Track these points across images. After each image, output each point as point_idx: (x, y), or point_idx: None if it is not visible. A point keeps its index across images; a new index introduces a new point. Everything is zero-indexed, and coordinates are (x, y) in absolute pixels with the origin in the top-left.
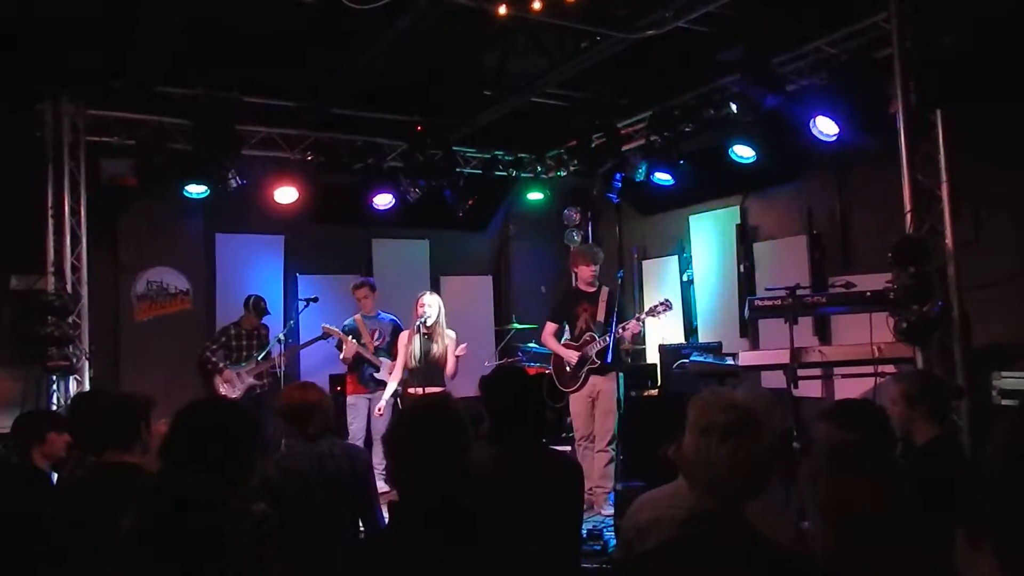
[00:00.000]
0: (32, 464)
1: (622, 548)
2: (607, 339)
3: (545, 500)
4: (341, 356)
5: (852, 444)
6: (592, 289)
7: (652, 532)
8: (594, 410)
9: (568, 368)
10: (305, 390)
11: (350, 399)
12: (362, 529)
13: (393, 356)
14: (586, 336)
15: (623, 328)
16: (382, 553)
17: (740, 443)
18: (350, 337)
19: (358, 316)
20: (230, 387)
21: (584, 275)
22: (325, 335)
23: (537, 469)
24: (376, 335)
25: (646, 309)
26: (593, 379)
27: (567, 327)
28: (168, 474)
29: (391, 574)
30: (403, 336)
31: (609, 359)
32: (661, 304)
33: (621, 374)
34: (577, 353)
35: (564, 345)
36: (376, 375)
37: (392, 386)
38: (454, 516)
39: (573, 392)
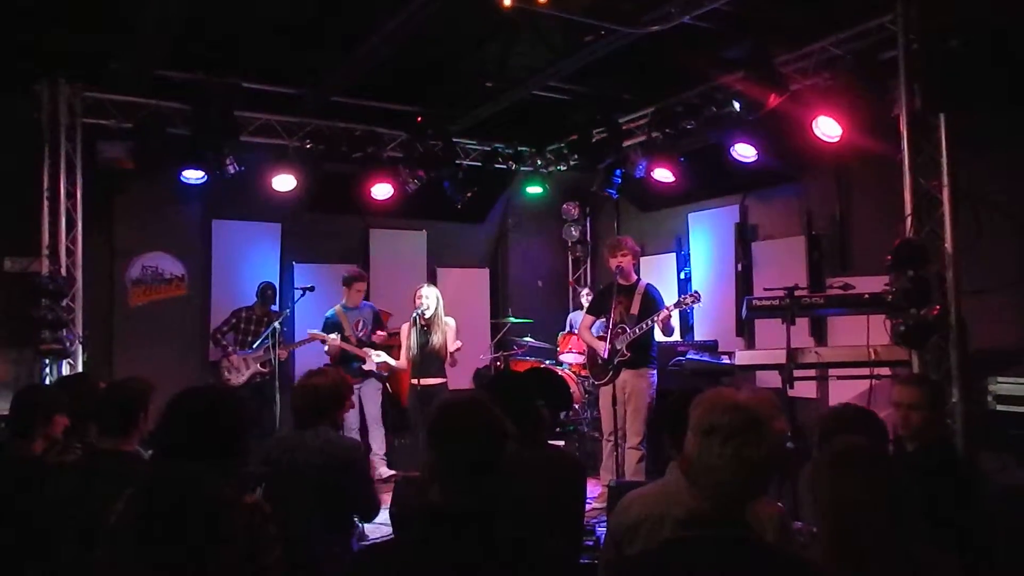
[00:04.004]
0: (31, 449)
1: (611, 547)
2: (637, 331)
3: (548, 497)
4: (326, 350)
5: (853, 447)
6: (628, 282)
7: (641, 530)
8: (623, 407)
9: (600, 360)
10: (311, 376)
11: None
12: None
13: (375, 345)
14: (618, 329)
15: (653, 320)
16: (412, 548)
17: (742, 445)
18: (333, 335)
19: (339, 308)
20: (236, 372)
21: (611, 267)
22: (311, 339)
23: (540, 466)
24: (359, 325)
25: (675, 300)
26: (624, 374)
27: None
28: (162, 463)
29: (418, 567)
30: (404, 328)
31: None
32: (690, 296)
33: (654, 372)
34: (607, 345)
35: (597, 338)
36: (363, 367)
37: (383, 356)
38: (488, 513)
39: (603, 385)
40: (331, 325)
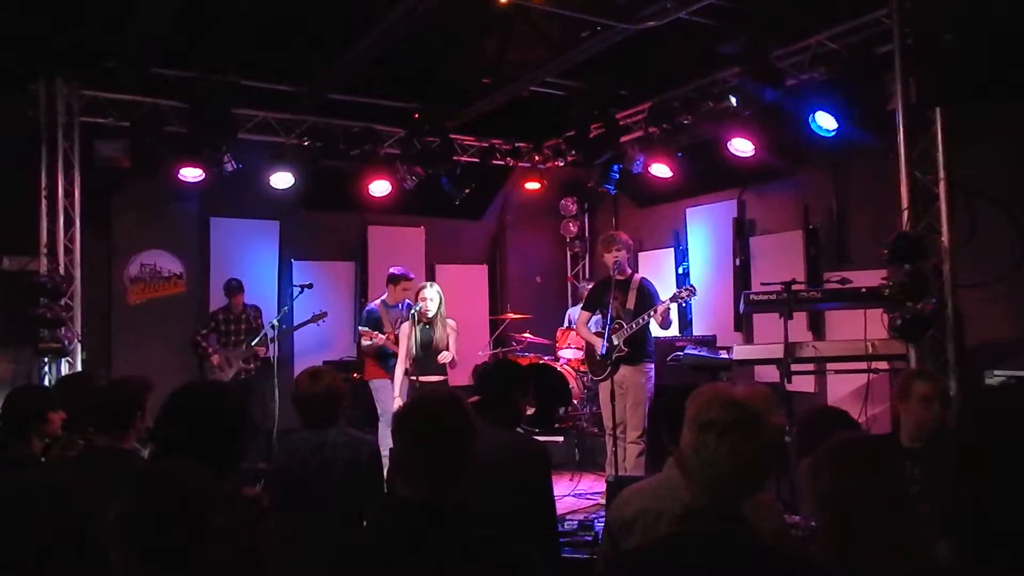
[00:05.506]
0: (30, 448)
1: (608, 542)
2: (633, 326)
3: (509, 484)
4: (366, 344)
5: (854, 441)
6: (623, 277)
7: (638, 525)
8: (623, 401)
9: (597, 356)
10: (315, 377)
11: (375, 383)
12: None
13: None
14: (615, 324)
15: (649, 314)
16: (373, 539)
17: (739, 440)
18: (381, 335)
19: (380, 305)
20: (221, 371)
21: (607, 263)
22: (360, 336)
23: (503, 455)
24: (396, 324)
25: (670, 295)
26: (622, 369)
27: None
28: (159, 459)
29: (381, 560)
30: (404, 327)
31: (650, 346)
32: (685, 289)
33: (651, 366)
34: (604, 341)
35: (595, 334)
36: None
37: (400, 372)
38: (448, 507)
39: (602, 381)
40: (373, 321)
